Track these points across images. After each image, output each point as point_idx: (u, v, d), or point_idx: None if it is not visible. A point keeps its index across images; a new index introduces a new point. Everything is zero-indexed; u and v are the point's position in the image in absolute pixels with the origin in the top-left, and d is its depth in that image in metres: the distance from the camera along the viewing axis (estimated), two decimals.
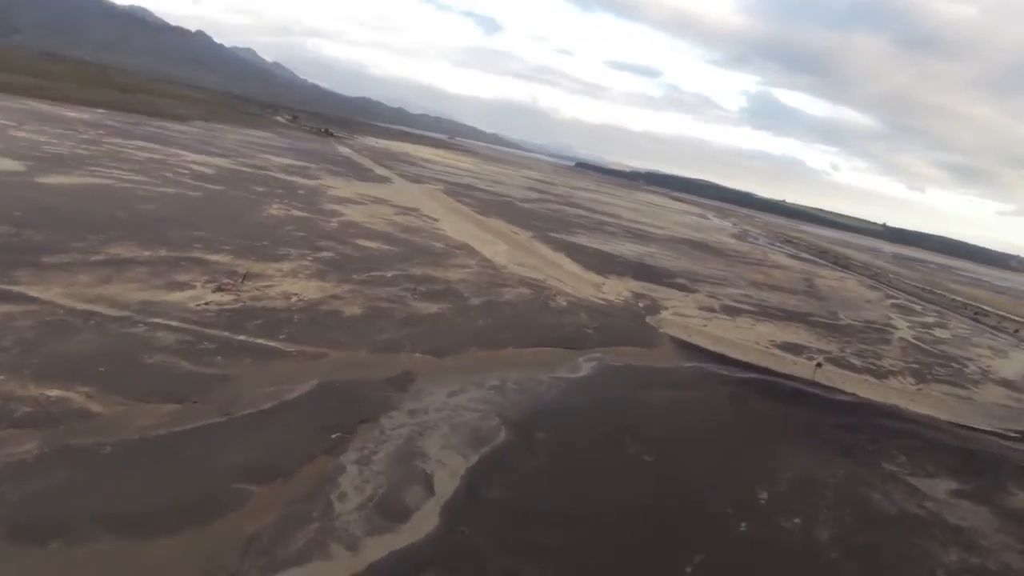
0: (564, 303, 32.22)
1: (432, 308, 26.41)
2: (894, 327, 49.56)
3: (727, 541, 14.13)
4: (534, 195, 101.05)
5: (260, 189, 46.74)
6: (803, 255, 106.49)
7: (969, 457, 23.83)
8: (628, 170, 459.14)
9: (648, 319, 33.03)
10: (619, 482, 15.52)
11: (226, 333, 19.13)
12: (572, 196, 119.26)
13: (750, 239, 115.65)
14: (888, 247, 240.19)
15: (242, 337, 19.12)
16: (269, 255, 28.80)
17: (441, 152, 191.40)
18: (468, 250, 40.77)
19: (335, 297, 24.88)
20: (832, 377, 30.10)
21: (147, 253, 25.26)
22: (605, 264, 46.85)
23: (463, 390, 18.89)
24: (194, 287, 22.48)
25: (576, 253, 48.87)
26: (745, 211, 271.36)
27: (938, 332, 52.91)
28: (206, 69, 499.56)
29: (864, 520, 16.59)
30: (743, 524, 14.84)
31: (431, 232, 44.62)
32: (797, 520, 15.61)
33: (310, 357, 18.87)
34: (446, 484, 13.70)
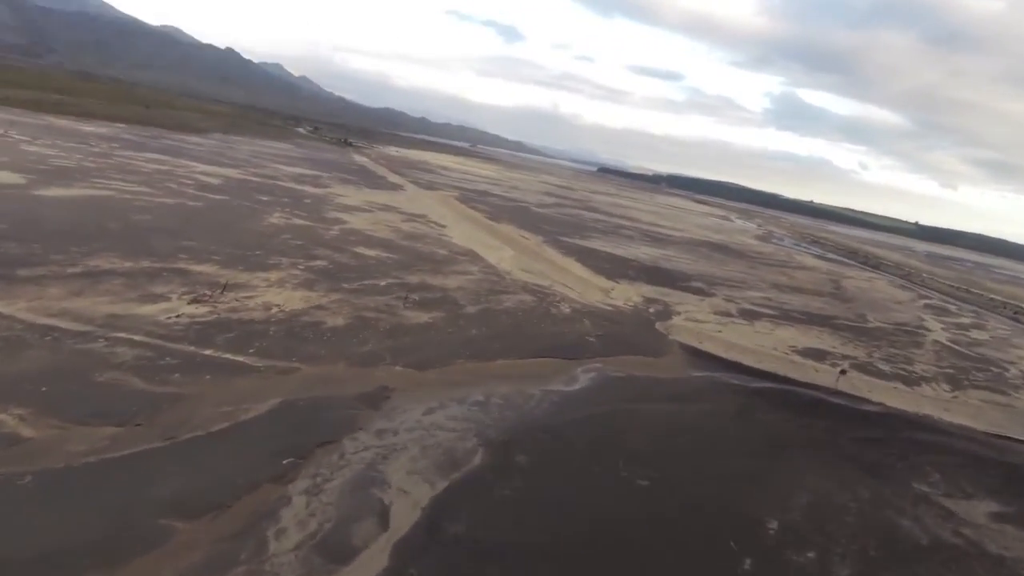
0: (567, 310, 30.59)
1: (423, 317, 25.04)
2: (927, 329, 46.75)
3: None
4: (551, 200, 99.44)
5: (264, 198, 46.05)
6: (830, 255, 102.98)
7: (1012, 473, 21.54)
8: (650, 174, 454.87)
9: (657, 325, 31.20)
10: (605, 510, 13.84)
11: (192, 348, 17.98)
12: (590, 200, 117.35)
13: (774, 240, 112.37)
14: (921, 246, 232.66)
15: (208, 352, 17.95)
16: (259, 264, 27.77)
17: (460, 159, 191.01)
18: (472, 256, 39.39)
19: (319, 307, 23.65)
20: (857, 385, 27.93)
21: (128, 264, 24.37)
22: (617, 268, 45.06)
23: (442, 406, 17.41)
24: (169, 299, 21.44)
25: (587, 257, 47.17)
26: (771, 212, 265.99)
27: (975, 334, 49.83)
28: (234, 84, 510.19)
29: (890, 552, 14.64)
30: (747, 560, 13.05)
31: (436, 239, 43.37)
32: (811, 554, 13.76)
33: (279, 372, 17.60)
34: (404, 517, 12.22)
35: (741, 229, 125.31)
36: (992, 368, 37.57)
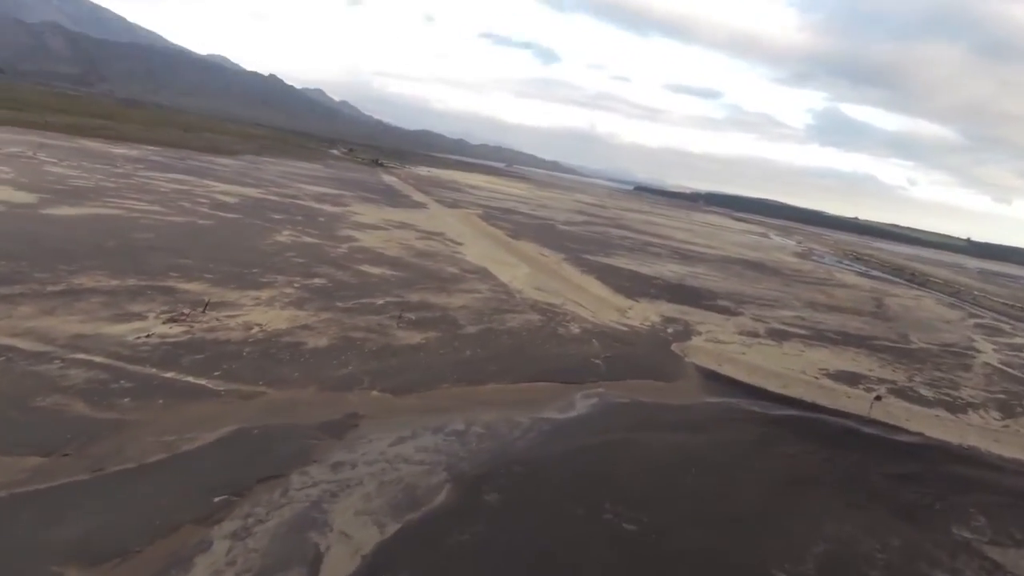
0: (576, 330, 28.78)
1: (415, 338, 23.60)
2: (977, 351, 43.18)
3: None
4: (579, 218, 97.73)
5: (278, 216, 45.63)
6: (874, 272, 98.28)
7: None
8: (688, 191, 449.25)
9: (674, 346, 29.10)
10: (575, 561, 11.99)
11: (152, 370, 16.88)
12: (621, 218, 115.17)
13: (814, 257, 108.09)
14: (973, 262, 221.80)
15: (170, 374, 16.82)
16: (252, 283, 26.84)
17: (492, 179, 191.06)
18: (483, 274, 37.94)
19: (305, 327, 22.45)
20: (894, 412, 25.32)
21: (114, 282, 23.65)
22: (638, 286, 43.00)
23: (414, 436, 15.84)
24: (145, 318, 20.51)
25: (608, 275, 45.23)
26: (813, 229, 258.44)
27: None
28: (276, 109, 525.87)
29: None
30: None
31: (448, 256, 42.13)
32: None
33: (241, 397, 16.32)
34: (339, 567, 10.64)
35: (779, 246, 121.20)
36: None
